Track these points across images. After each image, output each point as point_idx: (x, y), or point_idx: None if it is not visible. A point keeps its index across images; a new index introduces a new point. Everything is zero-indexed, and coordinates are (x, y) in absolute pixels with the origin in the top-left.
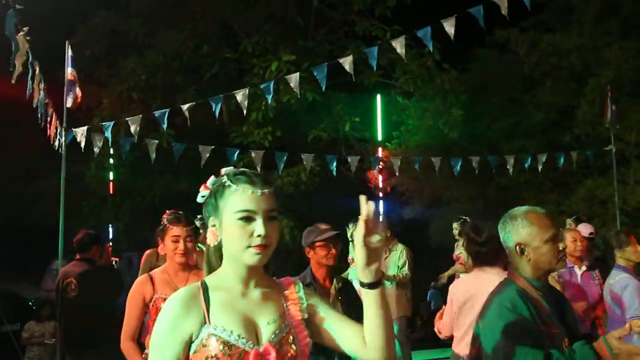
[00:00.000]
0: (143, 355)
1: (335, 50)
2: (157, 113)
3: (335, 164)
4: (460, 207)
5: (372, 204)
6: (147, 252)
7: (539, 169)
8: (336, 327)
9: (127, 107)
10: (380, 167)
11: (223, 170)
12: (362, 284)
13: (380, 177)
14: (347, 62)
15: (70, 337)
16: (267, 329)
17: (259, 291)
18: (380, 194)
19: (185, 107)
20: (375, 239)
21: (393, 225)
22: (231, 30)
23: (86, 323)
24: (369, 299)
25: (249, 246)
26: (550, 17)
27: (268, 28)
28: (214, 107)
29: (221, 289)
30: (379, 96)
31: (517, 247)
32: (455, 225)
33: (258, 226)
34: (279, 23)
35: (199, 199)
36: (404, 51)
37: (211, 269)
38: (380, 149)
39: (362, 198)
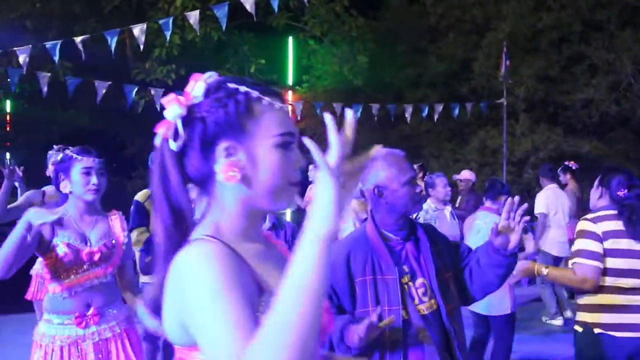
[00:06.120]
0: None
1: None
2: (48, 44)
3: None
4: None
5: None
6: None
7: (435, 119)
8: None
9: (21, 37)
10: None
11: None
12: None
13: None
14: (248, 2)
15: None
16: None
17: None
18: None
19: (78, 39)
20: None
21: None
22: None
23: None
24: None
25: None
26: None
27: None
28: (109, 41)
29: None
30: (290, 39)
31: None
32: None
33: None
34: None
35: (174, 112)
36: None
37: None
38: (290, 93)
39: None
